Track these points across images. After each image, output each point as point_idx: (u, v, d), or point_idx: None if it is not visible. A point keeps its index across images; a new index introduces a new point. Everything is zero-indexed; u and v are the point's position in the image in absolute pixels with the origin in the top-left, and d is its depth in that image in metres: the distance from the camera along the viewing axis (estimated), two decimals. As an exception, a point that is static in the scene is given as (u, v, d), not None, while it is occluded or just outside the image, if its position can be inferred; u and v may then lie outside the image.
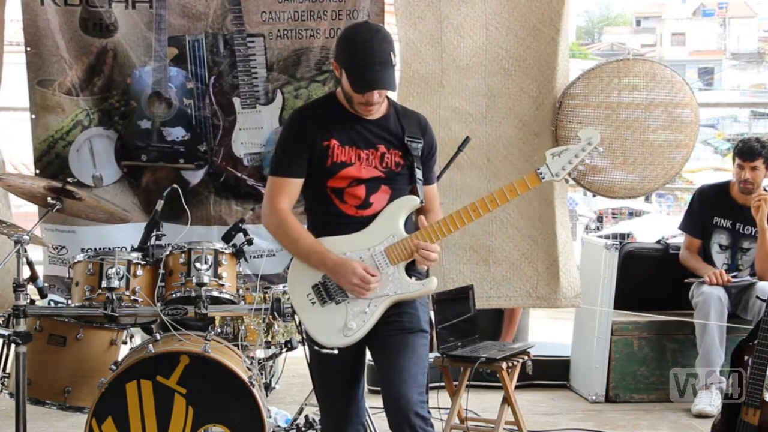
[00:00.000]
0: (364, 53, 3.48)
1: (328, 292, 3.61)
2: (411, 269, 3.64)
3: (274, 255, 5.69)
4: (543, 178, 3.63)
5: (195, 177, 5.74)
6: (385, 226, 3.59)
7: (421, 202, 3.63)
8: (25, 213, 7.04)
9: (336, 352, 3.59)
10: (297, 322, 4.75)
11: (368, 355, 3.76)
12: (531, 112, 5.77)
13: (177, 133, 5.72)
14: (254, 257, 5.51)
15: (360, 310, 3.57)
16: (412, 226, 3.69)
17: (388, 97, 3.67)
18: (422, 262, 3.59)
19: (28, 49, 5.60)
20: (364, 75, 3.49)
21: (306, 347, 3.80)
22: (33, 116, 5.68)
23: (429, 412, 3.58)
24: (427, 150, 3.71)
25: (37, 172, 5.65)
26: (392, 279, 3.57)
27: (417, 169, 3.65)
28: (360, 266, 3.53)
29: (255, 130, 5.73)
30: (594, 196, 6.18)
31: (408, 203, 3.62)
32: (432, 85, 5.71)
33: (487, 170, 5.77)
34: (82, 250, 5.42)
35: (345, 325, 3.58)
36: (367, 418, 4.21)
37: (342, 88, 3.61)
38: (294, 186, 3.64)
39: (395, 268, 3.58)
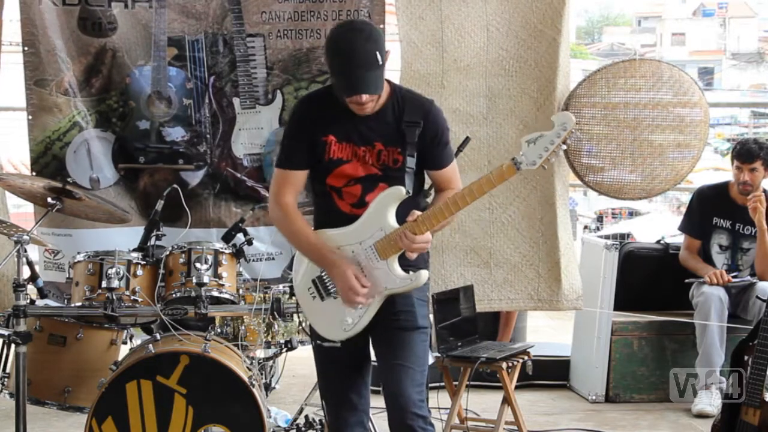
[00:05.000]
0: (346, 57, 3.43)
1: (325, 286, 3.61)
2: (405, 261, 3.59)
3: (273, 259, 5.66)
4: (519, 168, 3.48)
5: (194, 178, 5.72)
6: (374, 221, 3.55)
7: (408, 192, 3.56)
8: (25, 213, 7.04)
9: (339, 345, 3.60)
10: (298, 322, 4.76)
11: (373, 356, 3.76)
12: (532, 113, 5.74)
13: (176, 134, 5.71)
14: (253, 260, 5.50)
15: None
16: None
17: (391, 83, 3.62)
18: (408, 251, 3.52)
19: (26, 48, 5.58)
20: (347, 80, 3.45)
21: (311, 341, 3.80)
22: (30, 117, 5.65)
23: (429, 411, 3.58)
24: (432, 134, 3.62)
25: (34, 174, 5.61)
26: (383, 274, 3.55)
27: (409, 157, 3.57)
28: (352, 274, 3.50)
29: (255, 131, 5.72)
30: (598, 195, 6.17)
31: (394, 194, 3.55)
32: (433, 86, 5.69)
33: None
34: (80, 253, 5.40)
35: (342, 319, 3.58)
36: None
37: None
38: (297, 178, 3.64)
39: (385, 263, 3.54)
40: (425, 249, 3.56)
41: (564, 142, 3.46)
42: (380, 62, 3.45)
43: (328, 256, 3.56)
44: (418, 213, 3.51)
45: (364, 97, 3.48)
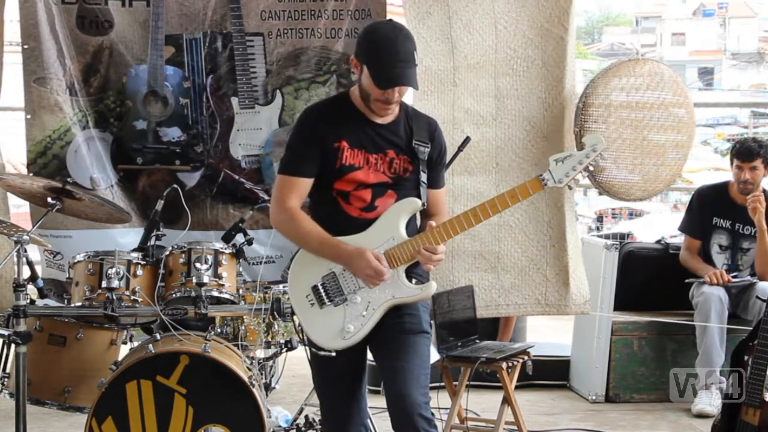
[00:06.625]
0: (387, 50, 3.47)
1: (327, 293, 3.60)
2: (412, 271, 3.62)
3: (273, 262, 5.62)
4: (545, 185, 3.57)
5: (191, 179, 5.68)
6: (386, 229, 3.58)
7: (423, 205, 3.62)
8: (25, 213, 7.03)
9: (333, 354, 3.59)
10: (296, 324, 4.76)
11: (369, 355, 3.75)
12: (540, 114, 5.70)
13: (173, 134, 5.68)
14: (253, 264, 5.48)
15: (358, 314, 3.57)
16: (415, 228, 3.68)
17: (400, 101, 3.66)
18: (426, 263, 3.57)
19: (25, 47, 5.56)
20: (387, 71, 3.47)
21: (306, 347, 3.80)
22: (28, 116, 5.61)
23: (432, 413, 3.58)
24: (436, 154, 3.70)
25: (31, 174, 5.55)
26: (391, 282, 3.56)
27: (422, 173, 3.63)
28: (373, 258, 3.51)
29: (253, 132, 5.69)
30: (600, 194, 6.16)
31: (410, 206, 3.60)
32: (446, 83, 5.64)
33: (496, 175, 5.69)
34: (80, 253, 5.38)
35: (343, 328, 3.57)
36: (368, 418, 4.20)
37: (360, 86, 3.57)
38: (303, 185, 3.62)
39: (394, 272, 3.56)
40: (439, 263, 3.57)
41: (592, 164, 3.55)
42: (416, 62, 3.52)
43: (345, 248, 3.55)
44: (433, 223, 3.56)
45: (396, 94, 3.51)
